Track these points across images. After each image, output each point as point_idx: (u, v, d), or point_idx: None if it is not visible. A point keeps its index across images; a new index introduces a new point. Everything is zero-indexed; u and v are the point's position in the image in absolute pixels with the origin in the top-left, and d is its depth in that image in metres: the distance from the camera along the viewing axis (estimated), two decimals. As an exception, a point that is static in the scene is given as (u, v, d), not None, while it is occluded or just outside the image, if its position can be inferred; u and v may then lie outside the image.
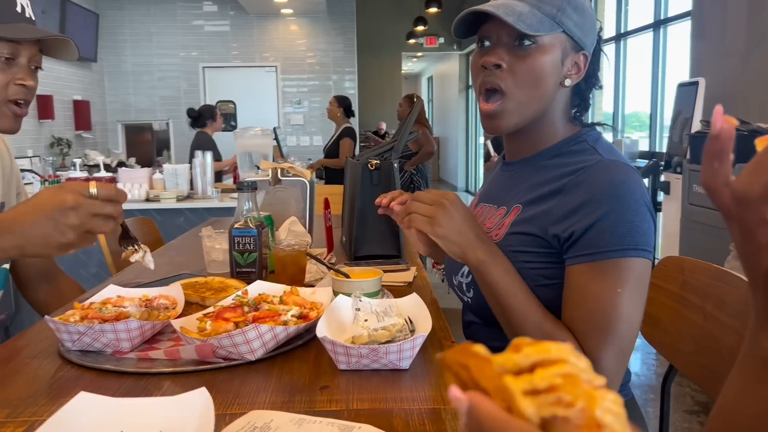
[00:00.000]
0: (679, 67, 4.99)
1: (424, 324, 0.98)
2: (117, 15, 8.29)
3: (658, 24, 5.21)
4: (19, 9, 1.19)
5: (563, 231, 0.98)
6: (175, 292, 1.14)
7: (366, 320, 0.98)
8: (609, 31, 6.51)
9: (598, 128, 1.12)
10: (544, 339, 0.93)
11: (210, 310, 1.04)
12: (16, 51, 1.17)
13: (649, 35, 5.39)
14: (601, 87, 1.14)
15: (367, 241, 1.64)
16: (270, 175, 1.65)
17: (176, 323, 0.97)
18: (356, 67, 9.01)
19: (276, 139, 6.16)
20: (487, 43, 1.05)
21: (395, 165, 1.68)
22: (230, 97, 8.66)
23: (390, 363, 0.91)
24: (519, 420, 0.29)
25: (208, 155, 4.56)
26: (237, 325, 0.96)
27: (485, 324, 1.14)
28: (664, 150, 4.53)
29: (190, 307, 1.18)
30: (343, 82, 8.91)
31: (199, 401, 0.68)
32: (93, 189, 0.95)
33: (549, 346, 0.30)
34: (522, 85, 1.02)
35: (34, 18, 1.24)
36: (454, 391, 0.31)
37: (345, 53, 8.91)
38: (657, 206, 4.51)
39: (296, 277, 1.34)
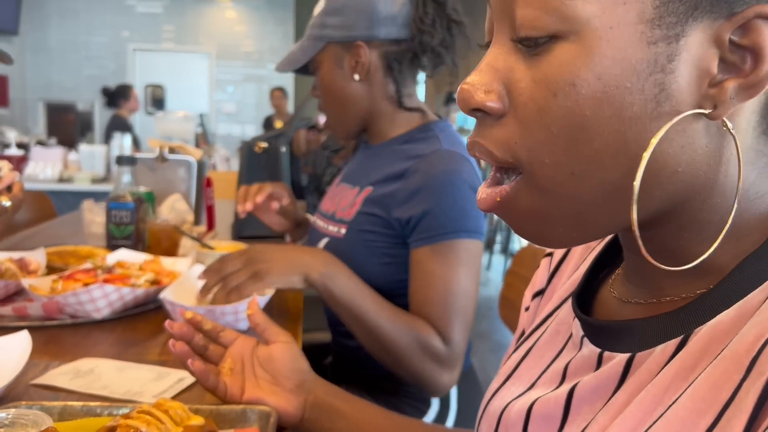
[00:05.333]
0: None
1: (270, 292, 1.06)
2: (42, -12, 8.01)
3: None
4: None
5: (403, 215, 1.07)
6: (37, 255, 1.18)
7: None
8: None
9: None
10: (401, 334, 1.00)
11: (67, 272, 1.09)
12: None
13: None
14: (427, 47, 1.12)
15: (251, 221, 1.70)
16: (157, 153, 1.70)
17: (26, 282, 1.02)
18: (293, 58, 8.99)
19: (202, 125, 6.11)
20: None
21: (283, 149, 1.75)
22: (161, 81, 8.50)
23: (228, 323, 0.98)
24: None
25: (127, 138, 4.50)
26: (86, 285, 1.01)
27: None
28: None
29: (54, 272, 1.22)
30: (279, 72, 8.88)
31: (19, 343, 0.74)
32: None
33: None
34: (326, 105, 1.20)
35: None
36: None
37: (283, 43, 8.88)
38: None
39: (170, 251, 1.40)
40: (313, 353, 1.37)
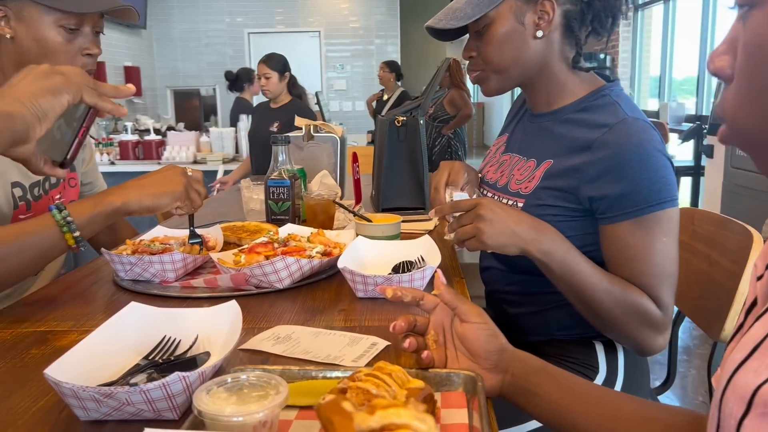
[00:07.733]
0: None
1: (435, 260, 1.08)
2: (165, -19, 8.49)
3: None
4: None
5: (596, 191, 1.04)
6: (215, 232, 1.27)
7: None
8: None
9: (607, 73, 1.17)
10: (618, 303, 1.02)
11: (245, 246, 1.17)
12: (81, 21, 1.20)
13: (698, -6, 5.24)
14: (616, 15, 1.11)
15: (394, 193, 1.74)
16: (304, 132, 1.76)
17: (215, 256, 1.10)
18: (399, 31, 9.00)
19: (318, 103, 6.26)
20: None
21: (421, 122, 1.76)
22: (275, 63, 8.80)
23: (420, 287, 1.02)
24: None
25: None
26: (267, 257, 1.08)
27: (502, 268, 1.23)
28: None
29: (228, 246, 1.31)
30: (385, 47, 8.93)
31: (230, 312, 0.80)
32: (189, 172, 1.19)
33: (396, 412, 0.40)
34: (491, 61, 1.13)
35: None
36: None
37: (388, 17, 8.90)
38: (701, 170, 4.52)
39: (325, 224, 1.46)
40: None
